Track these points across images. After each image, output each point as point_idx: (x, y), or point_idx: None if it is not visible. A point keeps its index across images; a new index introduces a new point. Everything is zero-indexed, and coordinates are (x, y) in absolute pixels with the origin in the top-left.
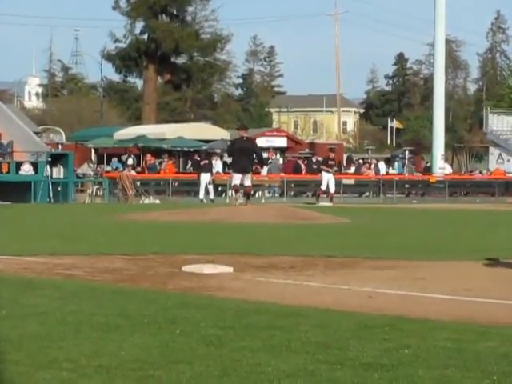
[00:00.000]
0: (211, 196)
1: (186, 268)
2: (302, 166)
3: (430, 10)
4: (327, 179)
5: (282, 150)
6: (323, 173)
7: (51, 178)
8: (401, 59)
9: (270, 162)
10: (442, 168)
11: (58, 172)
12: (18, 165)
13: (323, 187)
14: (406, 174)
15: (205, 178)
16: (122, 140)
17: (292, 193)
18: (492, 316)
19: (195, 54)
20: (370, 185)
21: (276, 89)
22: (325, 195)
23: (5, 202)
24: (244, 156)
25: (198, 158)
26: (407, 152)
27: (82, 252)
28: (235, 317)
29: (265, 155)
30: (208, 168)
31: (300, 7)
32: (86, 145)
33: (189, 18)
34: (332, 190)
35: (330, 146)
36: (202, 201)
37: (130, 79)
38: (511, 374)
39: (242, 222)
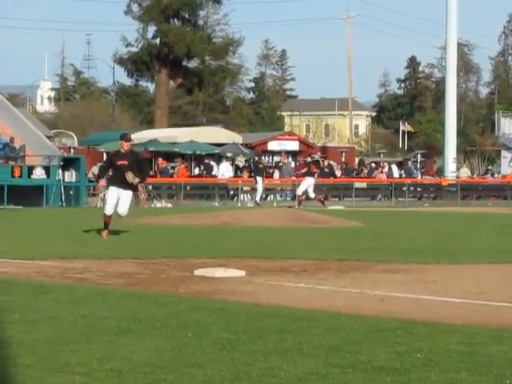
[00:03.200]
0: (257, 198)
1: (198, 272)
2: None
3: (442, 14)
4: (308, 184)
5: (293, 154)
6: (308, 177)
7: (63, 181)
8: (413, 62)
9: (281, 166)
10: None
11: (70, 176)
12: (31, 169)
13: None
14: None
15: (260, 181)
16: (134, 144)
17: (304, 196)
18: (504, 319)
19: (207, 57)
20: (381, 188)
21: (288, 92)
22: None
23: (17, 206)
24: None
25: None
26: (419, 155)
27: (93, 256)
28: (247, 320)
29: (276, 159)
30: (262, 171)
31: (312, 11)
32: (98, 149)
33: (201, 22)
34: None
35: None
36: (257, 204)
37: (142, 83)
38: None
39: (254, 226)
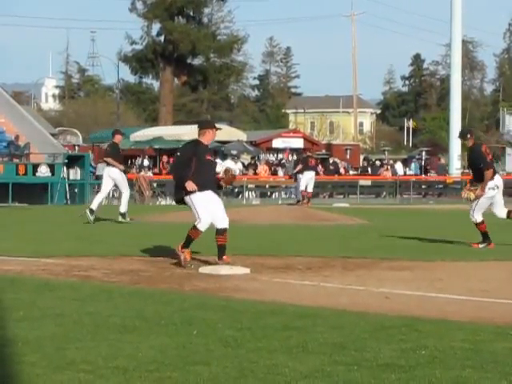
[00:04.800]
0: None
1: (203, 269)
2: (320, 166)
3: (446, 11)
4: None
5: (298, 151)
6: (306, 172)
7: (68, 179)
8: (417, 60)
9: (285, 163)
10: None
11: (75, 173)
12: (35, 166)
13: (303, 188)
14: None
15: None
16: (139, 141)
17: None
18: (509, 317)
19: (212, 55)
20: (386, 186)
21: (292, 90)
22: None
23: (22, 203)
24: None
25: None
26: (424, 153)
27: (98, 253)
28: (252, 318)
29: (280, 156)
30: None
31: (316, 8)
32: (103, 146)
33: (205, 20)
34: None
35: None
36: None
37: (147, 81)
38: None
39: (258, 223)
